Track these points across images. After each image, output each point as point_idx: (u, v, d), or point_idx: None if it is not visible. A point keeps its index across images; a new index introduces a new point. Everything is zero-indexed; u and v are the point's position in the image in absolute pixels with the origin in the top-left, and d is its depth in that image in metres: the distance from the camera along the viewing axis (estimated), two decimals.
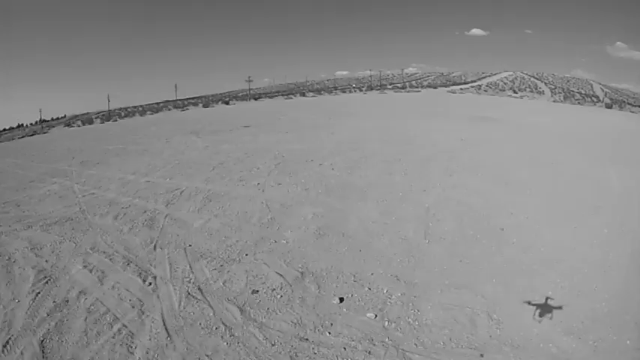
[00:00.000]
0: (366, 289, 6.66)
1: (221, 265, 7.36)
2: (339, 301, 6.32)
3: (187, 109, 43.86)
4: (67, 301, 6.43)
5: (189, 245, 8.20)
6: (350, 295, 6.47)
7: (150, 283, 6.81)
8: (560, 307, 6.12)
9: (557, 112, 36.11)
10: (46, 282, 7.07)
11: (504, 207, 10.13)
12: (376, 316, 5.97)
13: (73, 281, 7.04)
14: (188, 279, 6.91)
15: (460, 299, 6.40)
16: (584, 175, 13.15)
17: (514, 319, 5.92)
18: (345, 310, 6.12)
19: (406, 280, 6.94)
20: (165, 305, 6.19)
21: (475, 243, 8.27)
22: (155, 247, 8.20)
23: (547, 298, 6.34)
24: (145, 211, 10.27)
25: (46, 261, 7.88)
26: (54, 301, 6.45)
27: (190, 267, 7.31)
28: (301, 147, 16.88)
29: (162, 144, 19.44)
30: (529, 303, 6.26)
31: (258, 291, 6.55)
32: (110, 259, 7.74)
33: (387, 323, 5.81)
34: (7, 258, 8.10)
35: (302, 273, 7.09)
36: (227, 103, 47.30)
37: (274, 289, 6.59)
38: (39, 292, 6.74)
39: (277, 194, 11.08)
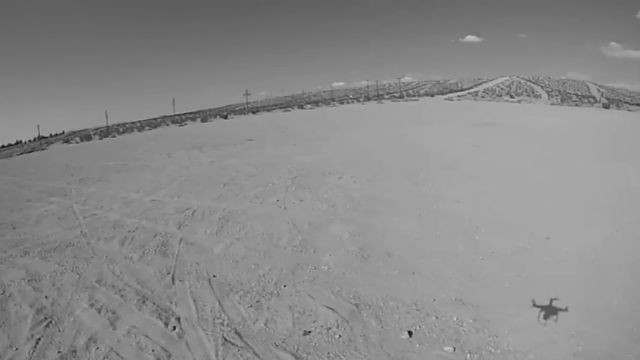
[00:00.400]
0: (433, 318, 5.60)
1: (257, 301, 6.17)
2: (408, 335, 5.25)
3: (185, 123, 43.11)
4: (75, 352, 5.26)
5: (214, 276, 7.03)
6: (418, 327, 5.41)
7: (174, 327, 5.61)
8: (565, 309, 5.69)
9: (559, 114, 35.83)
10: (47, 324, 5.89)
11: (540, 214, 9.39)
12: (455, 349, 4.97)
13: (80, 324, 5.86)
14: (220, 320, 5.71)
15: (531, 318, 5.57)
16: (603, 175, 12.88)
17: None
18: (417, 345, 5.06)
19: (472, 303, 5.94)
20: (198, 356, 5.03)
21: (527, 256, 7.38)
22: (173, 278, 7.02)
23: (552, 300, 5.95)
24: (156, 235, 9.14)
25: (46, 297, 6.72)
26: (59, 351, 5.27)
27: (220, 304, 6.13)
28: (313, 159, 15.90)
29: (164, 159, 18.38)
30: (533, 304, 5.88)
31: (310, 331, 5.40)
32: (121, 295, 6.58)
33: (468, 356, 4.85)
34: (1, 292, 6.95)
35: (356, 305, 5.96)
36: (225, 117, 46.55)
37: (329, 328, 5.44)
38: (40, 338, 5.57)
39: (301, 212, 10.00)
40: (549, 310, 5.72)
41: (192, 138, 25.90)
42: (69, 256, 8.37)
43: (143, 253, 8.21)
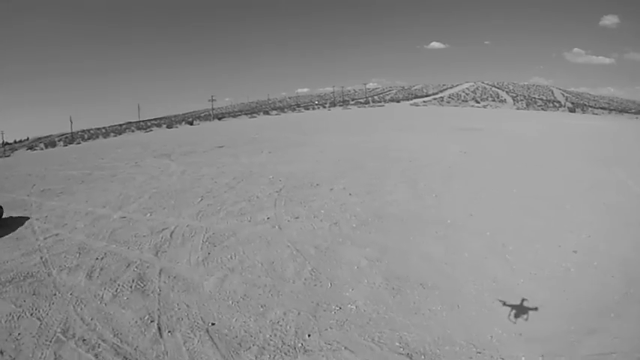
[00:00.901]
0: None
1: None
2: None
3: (151, 130, 40.97)
4: None
5: (212, 324, 5.58)
6: None
7: None
8: (535, 309, 5.70)
9: (534, 119, 36.02)
10: None
11: (560, 225, 8.78)
12: None
13: None
14: None
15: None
16: (600, 179, 12.71)
17: None
18: None
19: (535, 336, 5.08)
20: None
21: (566, 273, 6.71)
22: (160, 329, 5.52)
23: (523, 300, 5.92)
24: (129, 264, 7.57)
25: (1, 353, 5.21)
26: None
27: None
28: (295, 168, 14.62)
29: (132, 168, 16.48)
30: (503, 304, 5.84)
31: None
32: (95, 355, 5.08)
33: None
34: None
35: (409, 356, 4.76)
36: (191, 123, 44.62)
37: None
38: None
39: (301, 232, 8.66)
40: None
41: (159, 145, 23.90)
42: (27, 292, 6.77)
43: (116, 290, 6.66)
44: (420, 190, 11.35)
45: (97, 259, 7.92)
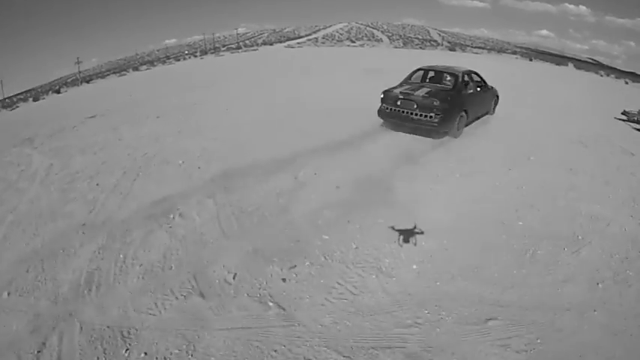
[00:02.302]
0: None
1: None
2: None
3: (17, 106, 31.56)
4: None
5: None
6: None
7: None
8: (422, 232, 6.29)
9: (435, 57, 35.49)
10: None
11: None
12: None
13: None
14: None
15: None
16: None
17: None
18: None
19: None
20: None
21: None
22: None
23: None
24: None
25: None
26: None
27: None
28: (210, 142, 10.88)
29: None
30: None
31: None
32: None
33: None
34: None
35: None
36: (58, 91, 36.09)
37: None
38: None
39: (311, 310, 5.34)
40: None
41: (23, 126, 16.16)
42: None
43: None
44: (398, 169, 8.77)
45: None
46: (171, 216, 6.96)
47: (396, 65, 26.66)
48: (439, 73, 12.03)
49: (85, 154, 10.68)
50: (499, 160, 9.65)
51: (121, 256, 5.88)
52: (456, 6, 66.03)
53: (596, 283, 5.33)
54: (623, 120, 16.10)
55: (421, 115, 10.59)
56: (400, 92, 11.07)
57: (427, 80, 12.25)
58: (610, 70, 44.11)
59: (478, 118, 12.59)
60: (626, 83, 35.97)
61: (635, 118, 15.85)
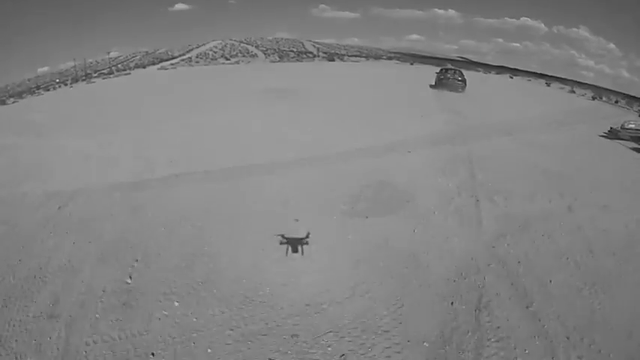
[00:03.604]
0: None
1: None
2: None
3: None
4: None
5: None
6: None
7: None
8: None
9: (335, 73, 37.35)
10: None
11: None
12: None
13: None
14: None
15: None
16: None
17: None
18: None
19: None
20: None
21: None
22: None
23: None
24: None
25: None
26: None
27: None
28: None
29: None
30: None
31: None
32: None
33: None
34: None
35: None
36: None
37: None
38: None
39: None
40: None
41: None
42: None
43: None
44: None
45: None
46: None
47: (304, 81, 27.84)
48: None
49: None
50: None
51: None
52: (328, 17, 70.12)
53: None
54: (610, 138, 14.60)
55: None
56: None
57: None
58: (480, 65, 50.46)
59: None
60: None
61: (627, 135, 14.21)
